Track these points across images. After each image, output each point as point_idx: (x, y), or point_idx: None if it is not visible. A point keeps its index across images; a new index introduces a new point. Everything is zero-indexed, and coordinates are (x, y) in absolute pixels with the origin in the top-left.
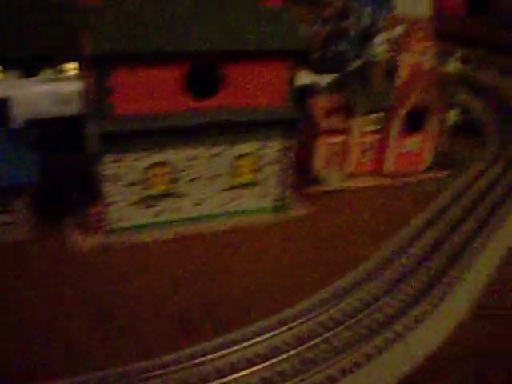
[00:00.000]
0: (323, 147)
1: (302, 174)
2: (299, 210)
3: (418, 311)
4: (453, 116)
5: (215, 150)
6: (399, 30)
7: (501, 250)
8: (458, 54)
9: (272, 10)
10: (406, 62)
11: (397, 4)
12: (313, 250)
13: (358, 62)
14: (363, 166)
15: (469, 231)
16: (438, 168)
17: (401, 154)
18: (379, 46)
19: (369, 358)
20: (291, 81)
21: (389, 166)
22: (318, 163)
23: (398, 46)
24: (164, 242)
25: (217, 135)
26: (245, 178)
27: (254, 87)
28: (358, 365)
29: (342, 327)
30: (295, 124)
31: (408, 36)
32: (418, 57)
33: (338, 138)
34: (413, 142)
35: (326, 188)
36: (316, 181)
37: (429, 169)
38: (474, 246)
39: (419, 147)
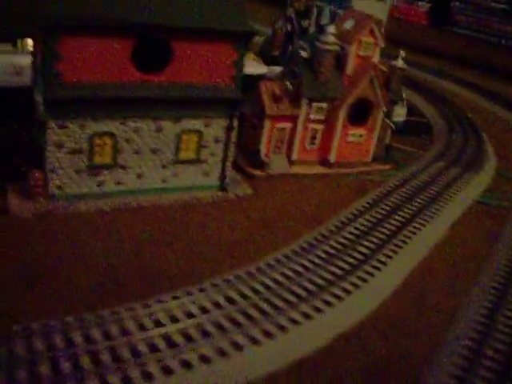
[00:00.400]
0: (270, 132)
1: (249, 157)
2: (243, 191)
3: (343, 287)
4: (399, 111)
5: (159, 124)
6: (349, 23)
7: (430, 240)
8: (403, 54)
9: None
10: (354, 55)
11: (355, 4)
12: (252, 228)
13: (308, 52)
14: (309, 153)
15: (403, 219)
16: (381, 161)
17: (345, 144)
18: (328, 37)
19: (283, 329)
20: (238, 62)
21: (334, 155)
22: (265, 147)
23: (346, 38)
24: (106, 212)
25: (162, 109)
26: (188, 154)
27: (200, 65)
28: (270, 336)
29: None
30: (239, 105)
31: (356, 30)
32: (365, 51)
33: (285, 124)
34: (357, 134)
35: (271, 172)
36: (262, 164)
37: (373, 161)
38: (405, 233)
39: (364, 139)
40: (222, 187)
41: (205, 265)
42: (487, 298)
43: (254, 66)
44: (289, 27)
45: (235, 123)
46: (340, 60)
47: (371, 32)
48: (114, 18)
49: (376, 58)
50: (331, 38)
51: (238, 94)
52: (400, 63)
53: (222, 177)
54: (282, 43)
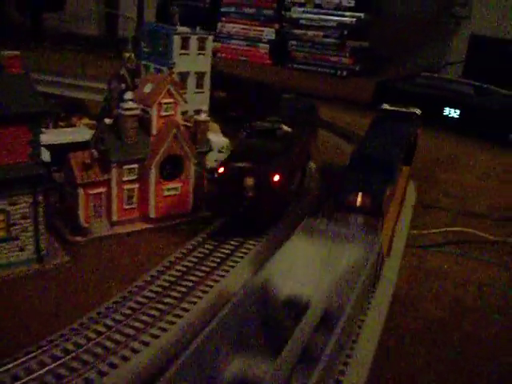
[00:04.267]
0: (86, 199)
1: (68, 224)
2: (61, 259)
3: (151, 333)
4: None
5: None
6: (148, 87)
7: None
8: (206, 108)
9: (14, 78)
10: (156, 117)
11: (177, 61)
12: (66, 295)
13: (110, 120)
14: (129, 213)
15: (213, 262)
16: (202, 209)
17: (163, 198)
18: (127, 102)
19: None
20: (34, 141)
21: (153, 211)
22: (83, 213)
23: (147, 101)
24: None
25: None
26: None
27: None
28: None
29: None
30: (42, 179)
31: (155, 93)
32: (166, 111)
33: (99, 189)
34: (173, 188)
35: (92, 236)
36: (82, 230)
37: (193, 211)
38: (216, 275)
39: (180, 191)
40: (39, 260)
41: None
42: None
43: (77, 134)
44: (123, 86)
45: (40, 198)
46: (145, 122)
47: (169, 93)
48: None
49: (178, 116)
50: (130, 104)
51: (37, 171)
52: (203, 117)
53: (38, 250)
54: (119, 102)
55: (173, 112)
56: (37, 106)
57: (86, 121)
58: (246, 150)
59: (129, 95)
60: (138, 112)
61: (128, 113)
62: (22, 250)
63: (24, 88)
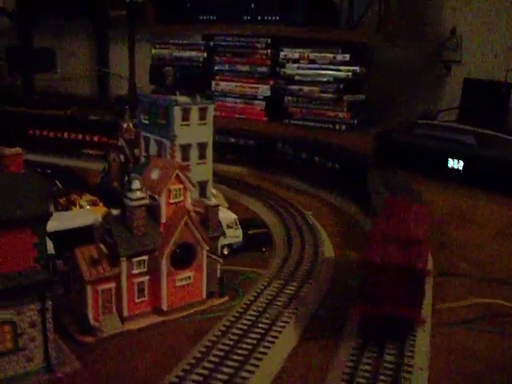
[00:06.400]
0: (94, 296)
1: (79, 323)
2: (71, 366)
3: None
4: (235, 233)
5: None
6: (155, 173)
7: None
8: (214, 191)
9: (15, 177)
10: (165, 204)
11: (177, 133)
12: None
13: (117, 210)
14: (140, 306)
15: (241, 358)
16: (217, 295)
17: (175, 289)
18: (135, 193)
19: None
20: (40, 244)
21: (165, 303)
22: (92, 312)
23: (155, 188)
24: None
25: None
26: (6, 346)
27: None
28: None
29: None
30: (49, 284)
31: (162, 179)
32: (175, 197)
33: (108, 285)
34: (185, 277)
35: (103, 335)
36: (91, 329)
37: (208, 298)
38: (242, 374)
39: (193, 280)
40: (49, 369)
41: None
42: None
43: (81, 218)
44: (122, 157)
45: (48, 304)
46: (153, 210)
47: (177, 179)
48: None
49: (188, 202)
50: (137, 194)
51: (44, 276)
52: (213, 202)
53: (47, 358)
54: (118, 174)
55: (182, 198)
56: (40, 208)
57: (86, 197)
58: None
59: (136, 184)
60: (146, 202)
61: (136, 203)
62: (29, 360)
63: (25, 188)
